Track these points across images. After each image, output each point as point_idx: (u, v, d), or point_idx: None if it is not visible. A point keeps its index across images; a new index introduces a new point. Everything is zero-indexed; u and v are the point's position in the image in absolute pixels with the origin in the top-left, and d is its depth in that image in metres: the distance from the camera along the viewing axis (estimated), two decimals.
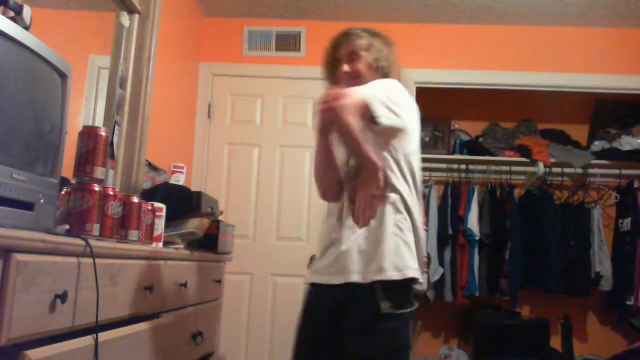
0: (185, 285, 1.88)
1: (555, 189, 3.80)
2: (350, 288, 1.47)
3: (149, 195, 2.12)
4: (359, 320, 1.45)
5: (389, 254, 1.45)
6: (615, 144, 3.75)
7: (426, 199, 3.70)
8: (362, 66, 1.65)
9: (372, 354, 1.44)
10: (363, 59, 1.65)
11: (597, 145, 3.80)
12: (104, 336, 1.23)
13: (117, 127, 2.35)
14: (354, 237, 1.50)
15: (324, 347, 1.60)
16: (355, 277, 1.46)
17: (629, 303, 3.45)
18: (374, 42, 1.68)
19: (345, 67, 1.65)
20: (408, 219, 1.52)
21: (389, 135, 1.54)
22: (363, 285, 1.45)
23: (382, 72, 1.67)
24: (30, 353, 0.98)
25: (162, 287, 1.67)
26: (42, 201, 1.11)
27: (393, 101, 1.50)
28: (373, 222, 1.50)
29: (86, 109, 2.20)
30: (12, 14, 1.23)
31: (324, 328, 1.58)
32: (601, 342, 3.80)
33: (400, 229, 1.50)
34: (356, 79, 1.61)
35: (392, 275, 1.43)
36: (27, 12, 1.25)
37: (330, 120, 1.46)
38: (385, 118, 1.46)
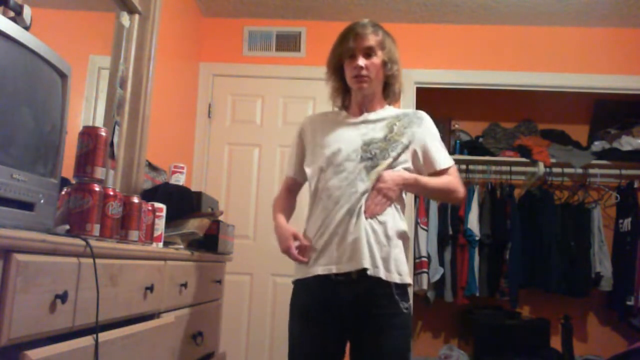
0: (185, 285, 1.87)
1: (555, 189, 3.81)
2: (371, 283, 1.58)
3: (149, 195, 2.12)
4: (394, 318, 1.59)
5: (403, 261, 1.64)
6: (615, 144, 3.75)
7: (426, 199, 3.70)
8: (376, 63, 1.68)
9: (406, 346, 1.62)
10: (378, 57, 1.68)
11: (597, 145, 3.81)
12: (104, 336, 1.23)
13: (117, 127, 2.35)
14: (368, 233, 1.59)
15: (330, 345, 1.62)
16: (377, 271, 1.57)
17: (629, 303, 3.46)
18: (386, 40, 1.71)
19: (361, 61, 1.65)
20: (406, 227, 1.71)
21: None
22: (383, 283, 1.58)
23: (389, 72, 1.72)
24: (30, 353, 0.97)
25: (162, 287, 1.67)
26: (42, 201, 1.11)
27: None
28: (387, 223, 1.62)
29: (86, 109, 2.20)
30: (12, 14, 1.23)
31: (333, 325, 1.61)
32: (601, 342, 3.80)
33: (406, 238, 1.69)
34: (367, 77, 1.67)
35: (407, 279, 1.64)
36: (27, 12, 1.25)
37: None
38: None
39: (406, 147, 1.68)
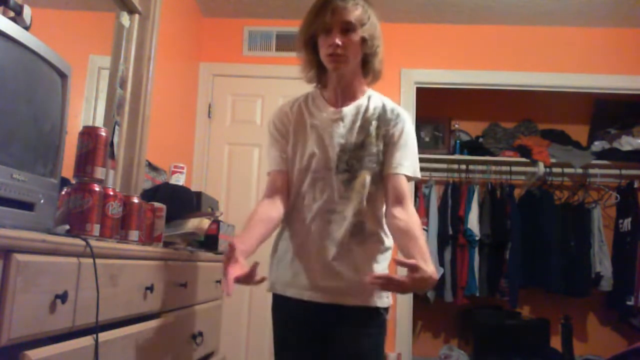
0: (185, 285, 1.87)
1: (555, 189, 3.81)
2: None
3: (149, 195, 2.12)
4: (361, 321, 1.53)
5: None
6: (615, 144, 3.75)
7: (426, 199, 3.70)
8: (354, 41, 1.49)
9: (367, 347, 1.54)
10: (357, 34, 1.49)
11: (597, 145, 3.81)
12: (104, 336, 1.23)
13: (117, 127, 2.35)
14: (355, 261, 1.53)
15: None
16: (368, 301, 1.53)
17: (629, 303, 3.46)
18: (370, 15, 1.53)
19: (338, 39, 1.47)
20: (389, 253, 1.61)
21: None
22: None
23: (369, 50, 1.53)
24: (30, 353, 0.97)
25: (162, 287, 1.67)
26: (42, 201, 1.11)
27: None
28: (367, 252, 1.55)
29: (86, 109, 2.20)
30: (12, 14, 1.24)
31: (315, 338, 1.62)
32: (601, 342, 3.80)
33: (385, 239, 1.59)
34: (344, 56, 1.49)
35: (389, 301, 1.58)
36: (27, 12, 1.25)
37: None
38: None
39: (381, 152, 1.55)
